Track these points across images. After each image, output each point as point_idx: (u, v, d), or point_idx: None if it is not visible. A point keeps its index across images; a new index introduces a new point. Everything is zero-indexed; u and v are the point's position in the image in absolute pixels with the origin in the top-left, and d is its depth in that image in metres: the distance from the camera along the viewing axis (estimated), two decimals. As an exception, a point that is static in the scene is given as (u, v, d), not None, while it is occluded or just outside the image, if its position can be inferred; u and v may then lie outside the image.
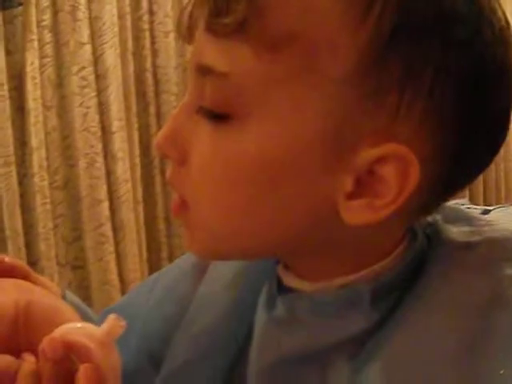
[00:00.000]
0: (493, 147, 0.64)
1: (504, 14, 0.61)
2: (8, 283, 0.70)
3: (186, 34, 0.63)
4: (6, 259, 0.73)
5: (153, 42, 2.92)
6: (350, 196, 0.59)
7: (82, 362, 0.61)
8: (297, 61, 0.56)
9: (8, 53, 2.62)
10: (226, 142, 0.60)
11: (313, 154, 0.58)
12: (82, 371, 0.60)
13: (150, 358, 0.83)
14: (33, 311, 0.65)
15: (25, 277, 0.73)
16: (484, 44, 0.58)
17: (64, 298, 0.81)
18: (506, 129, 0.63)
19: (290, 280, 0.71)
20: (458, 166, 0.61)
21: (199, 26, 0.61)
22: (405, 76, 0.55)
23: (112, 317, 0.63)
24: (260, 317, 0.72)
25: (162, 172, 2.99)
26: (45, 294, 0.70)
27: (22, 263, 0.75)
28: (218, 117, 0.60)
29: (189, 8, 0.62)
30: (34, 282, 0.73)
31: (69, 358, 0.61)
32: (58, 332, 0.62)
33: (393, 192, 0.58)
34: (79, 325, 0.64)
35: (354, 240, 0.65)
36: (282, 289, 0.71)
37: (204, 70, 0.59)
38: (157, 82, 2.95)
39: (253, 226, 0.63)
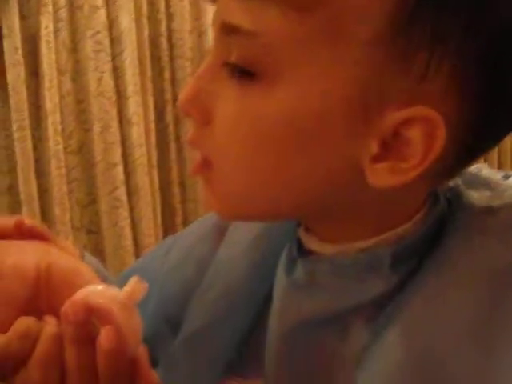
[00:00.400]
0: None
1: None
2: (28, 245, 0.71)
3: None
4: (26, 221, 0.74)
5: (168, 6, 2.91)
6: (376, 159, 0.59)
7: (104, 325, 0.62)
8: (325, 23, 0.55)
9: (22, 17, 2.62)
10: (253, 101, 0.60)
11: (339, 116, 0.58)
12: (104, 334, 0.61)
13: (167, 321, 0.84)
14: (54, 273, 0.66)
15: (45, 239, 0.74)
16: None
17: (82, 259, 0.81)
18: None
19: (310, 242, 0.71)
20: (483, 130, 0.61)
21: None
22: (432, 37, 0.55)
23: (134, 279, 0.63)
24: (280, 280, 0.73)
25: (177, 137, 2.99)
26: (65, 256, 0.72)
27: (41, 225, 0.76)
28: (246, 73, 0.59)
29: None
30: (54, 244, 0.74)
31: (90, 320, 0.62)
32: (79, 295, 0.62)
33: (419, 154, 0.58)
34: (100, 287, 0.64)
35: (377, 203, 0.65)
36: (302, 251, 0.72)
37: (229, 29, 0.59)
38: (171, 47, 2.94)
39: (276, 187, 0.63)
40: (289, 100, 0.58)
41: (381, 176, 0.59)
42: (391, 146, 0.59)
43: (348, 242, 0.68)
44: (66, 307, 0.61)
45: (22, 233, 0.73)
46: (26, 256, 0.68)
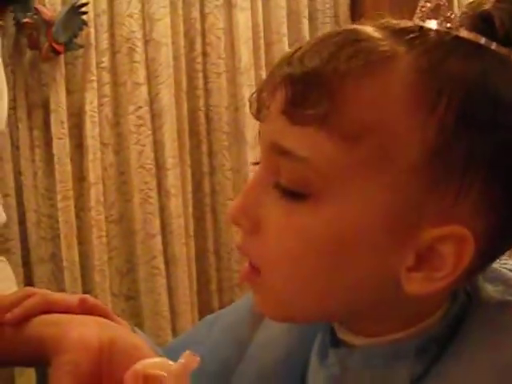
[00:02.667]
0: None
1: None
2: (90, 320, 0.77)
3: (258, 110, 0.67)
4: (89, 300, 0.80)
5: (206, 83, 2.99)
6: (411, 269, 0.63)
7: None
8: (371, 151, 0.60)
9: (68, 92, 2.74)
10: (300, 216, 0.64)
11: (381, 234, 0.62)
12: None
13: None
14: (116, 346, 0.71)
15: (104, 315, 0.80)
16: None
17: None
18: None
19: (343, 334, 0.74)
20: (504, 241, 0.66)
21: (274, 106, 0.65)
22: (465, 164, 0.60)
23: (188, 352, 0.66)
24: (313, 366, 0.77)
25: (213, 208, 3.05)
26: (124, 330, 0.78)
27: (101, 303, 0.82)
28: (293, 194, 0.63)
29: (262, 87, 0.67)
30: (112, 320, 0.80)
31: None
32: (139, 365, 0.66)
33: (450, 267, 0.62)
34: (158, 359, 0.68)
35: (407, 305, 0.68)
36: (334, 341, 0.75)
37: (281, 151, 0.63)
38: (209, 121, 3.01)
39: (321, 297, 0.67)
40: (334, 218, 0.62)
41: (415, 284, 0.63)
42: (426, 258, 0.63)
43: (379, 335, 0.71)
44: (127, 376, 0.64)
45: (85, 310, 0.79)
46: (89, 329, 0.73)
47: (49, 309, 0.78)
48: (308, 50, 0.63)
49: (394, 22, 0.65)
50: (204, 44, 3.00)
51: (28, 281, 2.71)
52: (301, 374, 0.78)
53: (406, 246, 0.63)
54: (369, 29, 0.64)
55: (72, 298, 0.81)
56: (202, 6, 2.97)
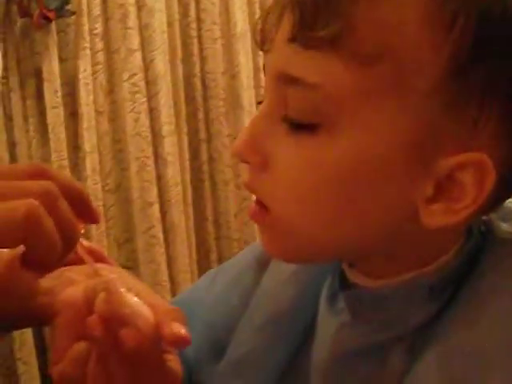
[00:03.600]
0: None
1: None
2: (81, 272, 0.77)
3: (262, 41, 0.66)
4: (84, 243, 0.77)
5: (201, 49, 2.97)
6: (430, 200, 0.62)
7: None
8: (386, 75, 0.58)
9: (61, 60, 2.70)
10: (313, 149, 0.62)
11: (398, 162, 0.61)
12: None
13: (212, 347, 0.87)
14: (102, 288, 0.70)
15: (101, 259, 0.81)
16: None
17: None
18: None
19: (354, 276, 0.74)
20: None
21: (280, 34, 0.63)
22: (484, 87, 0.58)
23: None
24: (323, 311, 0.76)
25: (211, 175, 3.04)
26: (118, 276, 0.76)
27: (98, 247, 0.82)
28: (304, 126, 0.62)
29: (266, 16, 0.65)
30: (109, 264, 0.82)
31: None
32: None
33: (470, 196, 0.61)
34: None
35: (422, 241, 0.68)
36: (343, 284, 0.75)
37: (288, 80, 0.62)
38: (205, 88, 3.00)
39: (338, 226, 0.65)
40: (351, 147, 0.61)
41: (435, 217, 0.62)
42: (445, 188, 0.62)
43: (390, 276, 0.70)
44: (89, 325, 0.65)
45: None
46: (74, 287, 0.72)
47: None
48: None
49: None
50: (198, 10, 2.96)
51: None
52: (310, 319, 0.77)
53: (425, 175, 0.61)
54: None
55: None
56: (196, -29, 2.93)
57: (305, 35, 0.60)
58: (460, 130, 0.60)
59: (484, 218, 0.73)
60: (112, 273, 0.72)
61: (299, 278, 0.81)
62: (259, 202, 0.68)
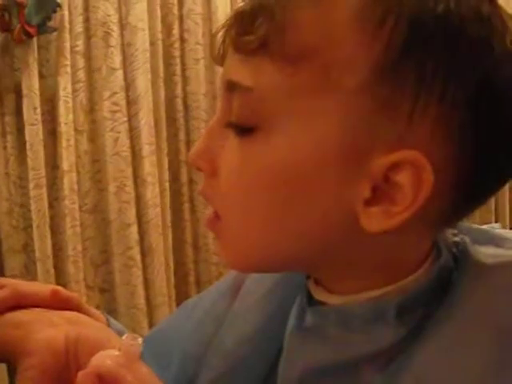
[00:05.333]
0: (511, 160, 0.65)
1: None
2: (60, 317, 0.75)
3: (218, 56, 0.67)
4: (62, 292, 0.78)
5: (183, 69, 2.96)
6: (369, 203, 0.61)
7: None
8: (316, 74, 0.59)
9: (42, 77, 2.68)
10: (252, 153, 0.63)
11: (332, 162, 0.61)
12: None
13: (190, 381, 0.85)
14: (83, 343, 0.69)
15: (77, 308, 0.79)
16: (494, 57, 0.60)
17: (108, 325, 0.86)
18: None
19: (318, 293, 0.73)
20: (476, 175, 0.62)
21: (226, 46, 0.65)
22: (416, 85, 0.58)
23: (126, 338, 0.65)
24: (290, 329, 0.74)
25: (191, 198, 3.01)
26: (94, 325, 0.76)
27: (74, 295, 0.81)
28: (244, 130, 0.63)
29: (220, 32, 0.66)
30: (85, 313, 0.79)
31: None
32: (92, 362, 0.64)
33: (408, 198, 0.60)
34: (107, 351, 0.66)
35: (378, 255, 0.67)
36: (312, 302, 0.73)
37: (231, 86, 0.64)
38: (187, 108, 2.98)
39: (278, 235, 0.65)
40: (284, 149, 0.62)
41: (373, 219, 0.61)
42: (383, 191, 0.61)
43: (355, 293, 0.69)
44: (79, 379, 0.63)
45: (58, 303, 0.78)
46: (56, 330, 0.71)
47: (20, 302, 0.76)
48: None
49: None
50: (182, 29, 2.96)
51: (-1, 273, 2.65)
52: (282, 341, 0.75)
53: (361, 175, 0.61)
54: None
55: (44, 289, 0.80)
56: (180, -10, 2.93)
57: (240, 41, 0.62)
58: (393, 129, 0.59)
59: (456, 239, 0.72)
60: (88, 327, 0.73)
61: (269, 299, 0.81)
62: (214, 211, 0.69)
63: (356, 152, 0.60)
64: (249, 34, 0.61)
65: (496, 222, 3.41)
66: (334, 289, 0.71)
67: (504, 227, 0.78)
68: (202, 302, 0.93)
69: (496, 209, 3.58)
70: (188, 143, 3.00)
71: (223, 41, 0.65)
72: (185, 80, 2.97)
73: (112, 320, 0.89)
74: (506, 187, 3.33)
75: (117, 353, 0.64)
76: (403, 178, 0.60)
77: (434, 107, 0.59)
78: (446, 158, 0.60)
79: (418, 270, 0.68)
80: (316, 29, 0.59)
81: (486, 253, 0.69)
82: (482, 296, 0.65)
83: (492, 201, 3.46)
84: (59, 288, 0.80)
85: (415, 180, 0.59)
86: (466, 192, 0.63)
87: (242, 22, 0.62)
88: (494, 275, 0.67)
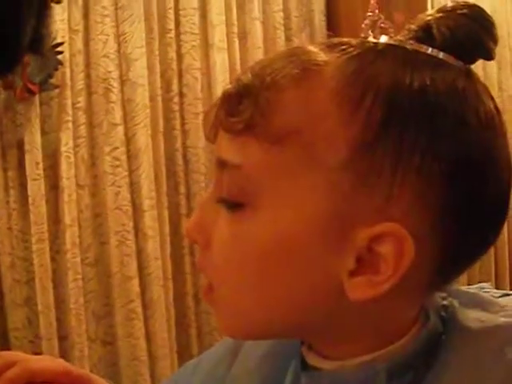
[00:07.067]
0: (494, 227, 0.68)
1: (494, 101, 0.67)
2: None
3: (210, 134, 0.70)
4: (73, 372, 0.82)
5: (183, 123, 2.99)
6: (353, 273, 0.63)
7: None
8: (297, 152, 0.63)
9: (44, 133, 2.71)
10: (241, 227, 0.66)
11: (316, 235, 0.63)
12: None
13: None
14: None
15: None
16: (469, 131, 0.63)
17: None
18: (505, 212, 0.67)
19: (311, 359, 0.74)
20: (458, 245, 0.65)
21: (217, 126, 0.68)
22: (394, 161, 0.61)
23: None
24: None
25: (191, 251, 3.01)
26: None
27: (85, 373, 0.84)
28: (234, 205, 0.66)
29: (211, 111, 0.69)
30: None
31: None
32: None
33: (391, 268, 0.62)
34: None
35: (365, 319, 0.68)
36: (306, 367, 0.74)
37: (221, 164, 0.67)
38: (186, 162, 3.01)
39: (268, 305, 0.67)
40: (270, 224, 0.64)
41: (357, 289, 0.63)
42: (366, 261, 0.63)
43: (346, 358, 0.70)
44: None
45: (71, 381, 0.81)
46: None
47: (31, 379, 0.79)
48: (247, 69, 0.67)
49: (342, 39, 0.68)
50: (181, 84, 3.00)
51: (2, 326, 2.66)
52: None
53: (345, 247, 0.63)
54: (310, 46, 0.67)
55: (54, 364, 0.83)
56: (179, 46, 2.98)
57: (227, 121, 0.65)
58: (374, 203, 0.62)
59: (445, 303, 0.74)
60: None
61: (266, 364, 0.82)
62: (208, 282, 0.71)
63: (340, 225, 0.63)
64: (235, 115, 0.64)
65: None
66: (326, 354, 0.72)
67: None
68: (202, 364, 0.93)
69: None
70: (188, 196, 3.01)
71: (214, 121, 0.68)
72: (184, 134, 3.00)
73: None
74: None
75: None
76: (385, 249, 0.62)
77: (413, 181, 0.61)
78: (426, 228, 0.63)
79: (407, 335, 0.69)
80: (298, 110, 0.63)
81: (473, 317, 0.71)
82: (469, 361, 0.67)
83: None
84: (69, 367, 0.83)
85: (397, 250, 0.62)
86: (450, 258, 0.66)
87: (228, 103, 0.65)
88: (479, 340, 0.69)
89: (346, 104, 0.62)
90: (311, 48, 0.67)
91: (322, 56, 0.65)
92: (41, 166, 2.66)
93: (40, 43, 0.85)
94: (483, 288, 0.78)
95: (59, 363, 0.84)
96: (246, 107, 0.63)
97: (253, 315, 0.69)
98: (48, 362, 0.84)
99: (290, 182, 0.63)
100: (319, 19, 3.33)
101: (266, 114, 0.63)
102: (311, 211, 0.63)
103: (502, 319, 0.70)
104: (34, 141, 2.65)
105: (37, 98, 2.66)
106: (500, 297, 0.75)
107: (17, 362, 0.80)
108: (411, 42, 0.67)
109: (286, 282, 0.66)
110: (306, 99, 0.63)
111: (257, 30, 3.15)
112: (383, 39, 0.67)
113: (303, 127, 0.62)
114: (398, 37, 0.68)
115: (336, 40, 0.68)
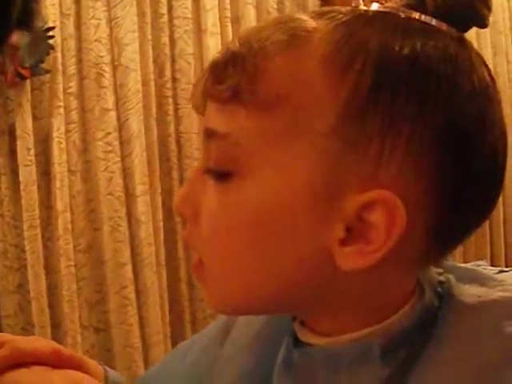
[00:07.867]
0: (488, 199, 0.66)
1: (488, 68, 0.66)
2: (61, 377, 0.78)
3: (199, 105, 0.69)
4: (63, 351, 0.81)
5: (176, 109, 2.99)
6: (344, 243, 0.62)
7: None
8: (286, 119, 0.62)
9: (35, 118, 2.70)
10: (229, 197, 0.65)
11: (305, 203, 0.62)
12: None
13: None
14: None
15: (78, 366, 0.82)
16: (461, 97, 0.62)
17: (107, 378, 0.88)
18: (500, 183, 0.66)
19: (304, 335, 0.73)
20: (452, 214, 0.64)
21: (204, 96, 0.68)
22: (384, 126, 0.60)
23: None
24: (278, 372, 0.74)
25: (185, 236, 3.00)
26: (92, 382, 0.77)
27: (76, 354, 0.84)
28: (222, 175, 0.65)
29: (200, 82, 0.68)
30: (86, 370, 0.82)
31: None
32: None
33: (382, 237, 0.61)
34: None
35: (357, 292, 0.67)
36: (299, 344, 0.73)
37: (209, 134, 0.66)
38: (180, 148, 3.00)
39: (258, 278, 0.66)
40: (258, 192, 0.63)
41: (348, 259, 0.62)
42: (357, 230, 0.62)
43: (340, 333, 0.69)
44: None
45: (58, 362, 0.79)
46: None
47: (19, 360, 0.78)
48: (235, 38, 0.66)
49: (332, 7, 0.67)
50: (174, 69, 2.99)
51: (-6, 313, 2.65)
52: (270, 381, 0.76)
53: (334, 216, 0.62)
54: (301, 14, 0.66)
55: (44, 345, 0.82)
56: (172, 30, 2.98)
57: (214, 90, 0.65)
58: (363, 170, 0.61)
59: (441, 278, 0.72)
60: None
61: (258, 343, 0.81)
62: (198, 256, 0.70)
63: (328, 193, 0.62)
64: (222, 83, 0.63)
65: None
66: (318, 330, 0.71)
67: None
68: (196, 345, 0.93)
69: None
70: (181, 182, 3.00)
71: (202, 90, 0.67)
72: (177, 119, 3.00)
73: (111, 372, 0.90)
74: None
75: None
76: (376, 217, 0.61)
77: (403, 147, 0.60)
78: (418, 197, 0.62)
79: (401, 310, 0.68)
80: (285, 75, 0.62)
81: (470, 292, 0.70)
82: (465, 336, 0.66)
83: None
84: (60, 347, 0.82)
85: (388, 219, 0.61)
86: (446, 225, 0.65)
87: (216, 71, 0.65)
88: (476, 315, 0.67)
89: (335, 69, 0.61)
90: (300, 16, 0.65)
91: (310, 23, 0.64)
92: (32, 151, 2.65)
93: (29, 18, 0.83)
94: (479, 265, 0.77)
95: (49, 344, 0.82)
96: (232, 74, 0.63)
97: (241, 288, 0.68)
98: (38, 342, 0.82)
99: (278, 149, 0.62)
100: (313, 3, 3.31)
101: (254, 81, 0.62)
102: (300, 178, 0.62)
103: (500, 293, 0.69)
104: (25, 126, 2.64)
105: (28, 84, 2.65)
106: (497, 273, 0.74)
107: (6, 343, 0.79)
108: (403, 9, 0.65)
109: (274, 252, 0.64)
110: (294, 65, 0.62)
111: (250, 14, 3.15)
112: (374, 7, 0.66)
113: (291, 93, 0.61)
114: (390, 3, 0.67)
115: (326, 8, 0.67)
